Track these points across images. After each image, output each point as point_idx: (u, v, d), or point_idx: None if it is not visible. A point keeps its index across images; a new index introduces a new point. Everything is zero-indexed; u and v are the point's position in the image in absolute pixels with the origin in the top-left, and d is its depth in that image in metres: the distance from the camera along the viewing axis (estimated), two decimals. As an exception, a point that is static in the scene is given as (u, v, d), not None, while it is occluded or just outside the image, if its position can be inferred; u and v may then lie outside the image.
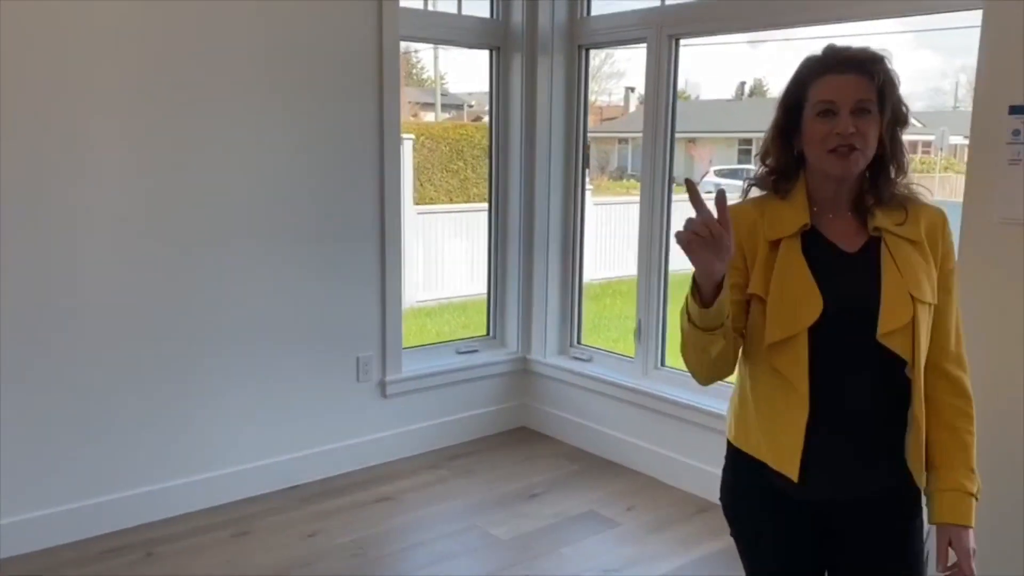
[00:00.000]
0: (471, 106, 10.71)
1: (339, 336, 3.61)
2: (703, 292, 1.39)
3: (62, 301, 2.93)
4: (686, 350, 1.51)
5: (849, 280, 1.49)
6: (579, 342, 4.29)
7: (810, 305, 1.45)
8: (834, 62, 1.46)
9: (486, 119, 4.32)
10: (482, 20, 4.07)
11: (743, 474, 1.62)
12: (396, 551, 3.10)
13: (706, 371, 1.53)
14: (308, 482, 3.56)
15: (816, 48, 1.51)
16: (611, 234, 7.43)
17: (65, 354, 2.96)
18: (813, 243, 1.50)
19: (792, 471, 1.49)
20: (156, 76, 3.01)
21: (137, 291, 3.08)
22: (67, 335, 2.95)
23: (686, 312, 1.45)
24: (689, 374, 1.57)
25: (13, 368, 2.86)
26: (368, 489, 3.55)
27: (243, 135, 3.23)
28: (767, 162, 1.56)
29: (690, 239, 1.32)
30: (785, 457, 1.50)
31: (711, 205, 1.35)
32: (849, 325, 1.46)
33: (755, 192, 1.58)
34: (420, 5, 4.04)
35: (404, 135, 3.81)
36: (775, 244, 1.50)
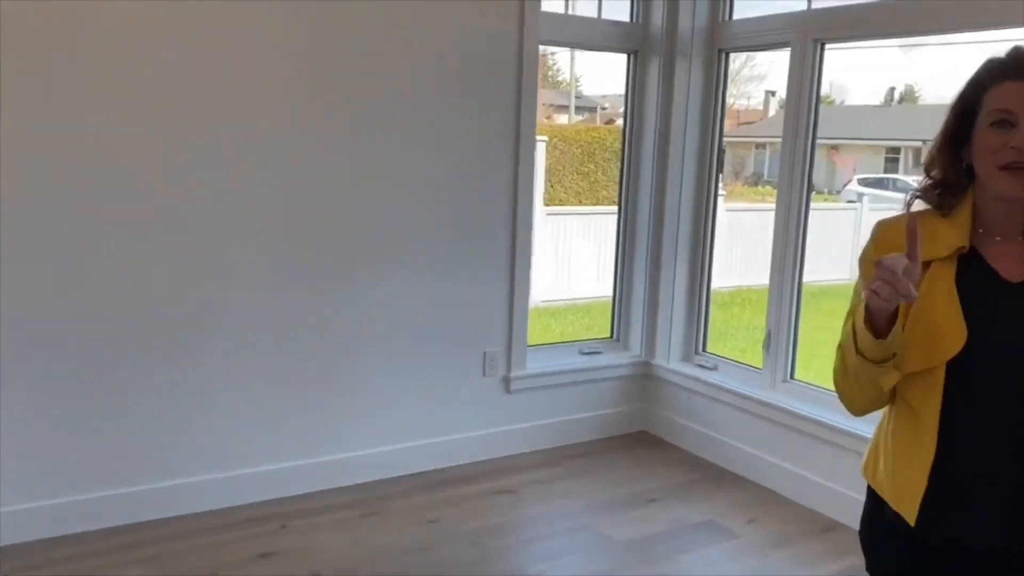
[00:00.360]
0: (604, 108, 10.70)
1: (468, 331, 3.71)
2: (876, 321, 1.30)
3: (213, 309, 3.17)
4: (848, 382, 1.42)
5: (1004, 314, 1.34)
6: (704, 350, 4.24)
7: (952, 337, 1.32)
8: (1016, 66, 1.33)
9: (619, 121, 4.33)
10: (621, 24, 4.07)
11: (874, 508, 1.52)
12: (513, 543, 3.17)
13: (867, 404, 1.44)
14: (433, 469, 3.68)
15: (993, 52, 1.38)
16: (743, 241, 7.26)
17: (216, 348, 3.18)
18: (971, 268, 1.37)
19: (910, 513, 1.39)
20: (298, 77, 3.17)
21: (283, 288, 3.26)
22: (217, 330, 3.18)
23: (853, 343, 1.35)
24: (837, 395, 1.48)
25: (166, 347, 3.12)
26: (489, 481, 3.64)
27: (385, 136, 3.37)
28: (932, 174, 1.42)
29: (875, 293, 1.26)
30: (904, 497, 1.40)
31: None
32: (995, 364, 1.32)
33: (919, 205, 1.45)
34: (561, 8, 4.08)
35: (538, 137, 3.87)
36: (926, 265, 1.34)
